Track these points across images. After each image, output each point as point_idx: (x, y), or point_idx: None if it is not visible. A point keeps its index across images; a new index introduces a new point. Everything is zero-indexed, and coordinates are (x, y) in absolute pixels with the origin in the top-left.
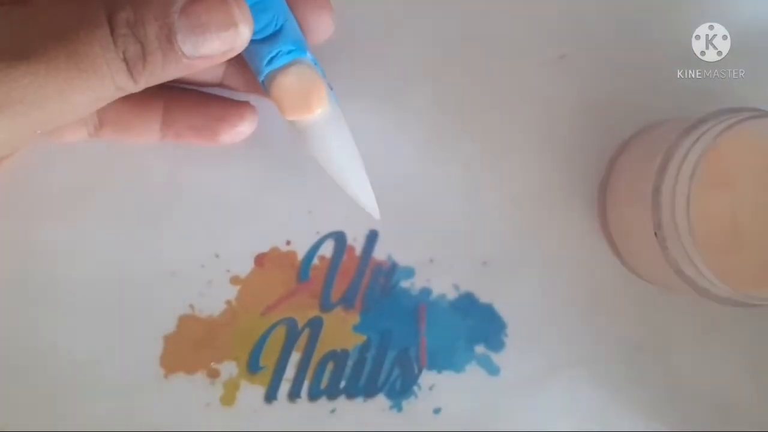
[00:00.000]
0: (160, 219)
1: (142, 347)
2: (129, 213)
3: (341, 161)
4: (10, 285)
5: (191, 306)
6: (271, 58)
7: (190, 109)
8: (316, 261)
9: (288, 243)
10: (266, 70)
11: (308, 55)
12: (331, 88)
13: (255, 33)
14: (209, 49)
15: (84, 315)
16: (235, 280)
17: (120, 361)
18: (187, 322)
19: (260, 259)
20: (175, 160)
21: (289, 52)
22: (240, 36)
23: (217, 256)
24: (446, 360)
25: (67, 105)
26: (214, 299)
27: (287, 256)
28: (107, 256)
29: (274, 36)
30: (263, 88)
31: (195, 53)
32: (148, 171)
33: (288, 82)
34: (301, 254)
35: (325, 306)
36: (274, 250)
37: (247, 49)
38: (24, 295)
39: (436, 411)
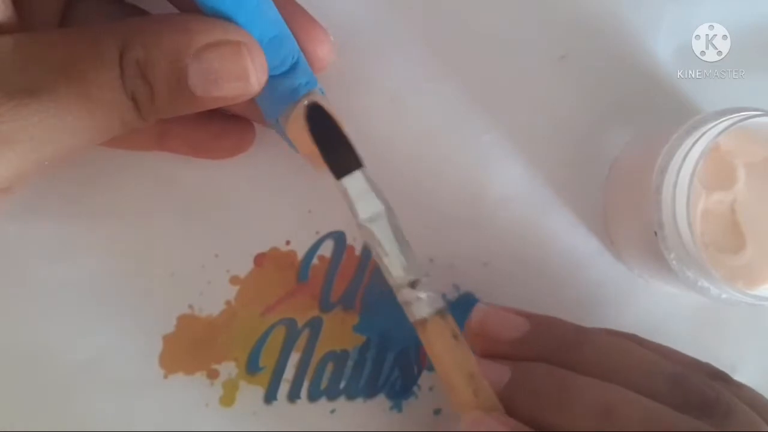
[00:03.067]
0: (160, 219)
1: (142, 347)
2: (128, 213)
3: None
4: (10, 285)
5: (190, 306)
6: (292, 91)
7: (188, 126)
8: (315, 261)
9: (287, 243)
10: (284, 106)
11: (318, 85)
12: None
13: (275, 68)
14: (220, 93)
15: (83, 315)
16: (234, 280)
17: (119, 361)
18: (186, 322)
19: (260, 259)
20: (175, 160)
21: (307, 83)
22: (251, 86)
23: (216, 256)
24: None
25: (74, 141)
26: (214, 299)
27: (287, 256)
28: (106, 256)
29: (291, 70)
30: (277, 128)
31: (206, 95)
32: (148, 170)
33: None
34: (300, 254)
35: (325, 306)
36: (274, 250)
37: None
38: (23, 295)
39: (437, 412)
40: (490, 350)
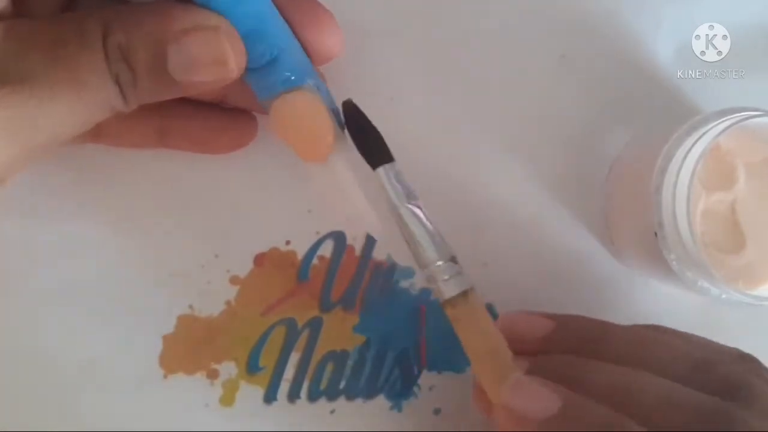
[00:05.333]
0: (160, 219)
1: (142, 347)
2: (128, 213)
3: (343, 190)
4: (11, 285)
5: (191, 306)
6: (267, 87)
7: (188, 121)
8: (315, 261)
9: (288, 243)
10: (263, 98)
11: (308, 81)
12: (337, 113)
13: (250, 62)
14: (200, 77)
15: (83, 315)
16: (234, 280)
17: (119, 361)
18: (186, 322)
19: (260, 259)
20: (175, 160)
21: (284, 81)
22: (230, 71)
23: (216, 256)
24: (446, 361)
25: (66, 127)
26: (214, 299)
27: (287, 255)
28: (106, 256)
29: (269, 65)
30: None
31: (186, 80)
32: (148, 171)
33: (284, 110)
34: (300, 254)
35: (325, 306)
36: (274, 250)
37: (245, 76)
38: (24, 295)
39: (436, 412)
40: (517, 351)
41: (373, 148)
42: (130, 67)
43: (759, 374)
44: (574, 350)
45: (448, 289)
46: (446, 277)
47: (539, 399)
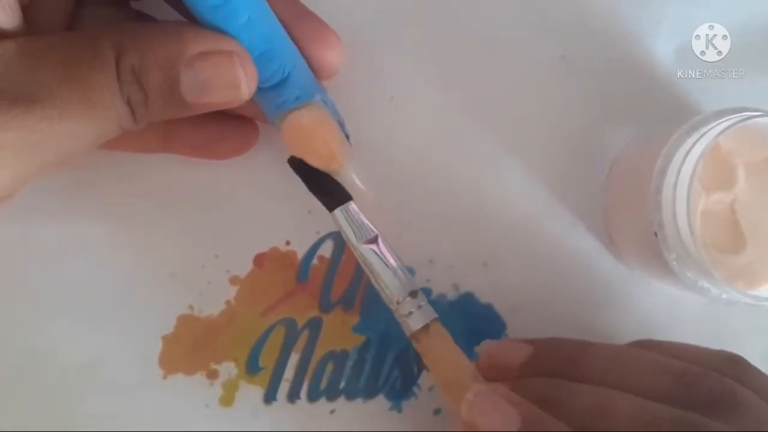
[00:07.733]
0: (160, 219)
1: (141, 348)
2: (128, 213)
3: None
4: (10, 285)
5: (190, 306)
6: (277, 104)
7: (192, 128)
8: (315, 261)
9: (287, 243)
10: (275, 115)
11: (317, 97)
12: (342, 125)
13: (262, 81)
14: (211, 99)
15: (83, 315)
16: (234, 280)
17: (119, 362)
18: (186, 322)
19: (260, 259)
20: (175, 161)
21: (297, 98)
22: (242, 94)
23: (216, 256)
24: None
25: (76, 146)
26: (214, 299)
27: (287, 256)
28: (106, 256)
29: (281, 84)
30: (276, 127)
31: (197, 101)
32: (148, 171)
33: (296, 126)
34: (300, 254)
35: (325, 306)
36: (274, 250)
37: (255, 95)
38: (24, 295)
39: (436, 412)
40: (498, 379)
41: (330, 191)
42: (143, 89)
43: (743, 380)
44: (552, 373)
45: (413, 323)
46: (409, 312)
47: (499, 414)
